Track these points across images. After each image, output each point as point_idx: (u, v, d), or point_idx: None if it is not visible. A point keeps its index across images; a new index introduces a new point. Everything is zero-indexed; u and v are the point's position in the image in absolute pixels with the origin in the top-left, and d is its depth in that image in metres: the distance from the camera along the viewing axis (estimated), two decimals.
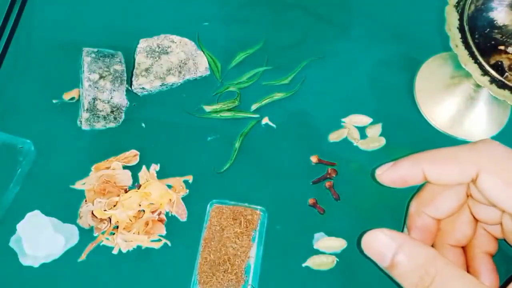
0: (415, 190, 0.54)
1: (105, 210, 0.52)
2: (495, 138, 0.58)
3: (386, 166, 0.45)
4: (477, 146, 0.42)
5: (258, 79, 0.61)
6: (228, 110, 0.59)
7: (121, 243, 0.52)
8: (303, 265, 0.53)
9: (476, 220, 0.47)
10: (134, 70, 0.59)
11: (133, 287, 0.52)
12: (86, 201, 0.54)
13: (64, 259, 0.52)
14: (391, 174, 0.44)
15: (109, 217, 0.53)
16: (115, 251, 0.53)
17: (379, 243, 0.39)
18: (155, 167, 0.56)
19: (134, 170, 0.56)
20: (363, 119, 0.59)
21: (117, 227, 0.53)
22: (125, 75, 0.59)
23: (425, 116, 0.59)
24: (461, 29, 0.49)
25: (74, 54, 0.61)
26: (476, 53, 0.48)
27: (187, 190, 0.55)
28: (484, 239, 0.48)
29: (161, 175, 0.56)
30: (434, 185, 0.46)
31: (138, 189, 0.54)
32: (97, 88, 0.57)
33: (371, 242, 0.40)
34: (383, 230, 0.40)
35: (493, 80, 0.47)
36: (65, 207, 0.54)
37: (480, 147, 0.42)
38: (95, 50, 0.59)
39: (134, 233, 0.53)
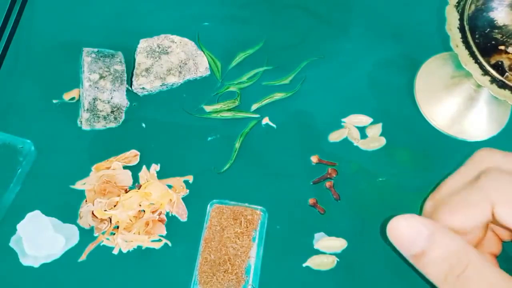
0: (416, 190, 0.54)
1: (105, 210, 0.52)
2: (495, 138, 0.58)
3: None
4: (482, 183, 0.41)
5: (258, 79, 0.61)
6: (228, 110, 0.59)
7: (122, 243, 0.52)
8: (304, 265, 0.53)
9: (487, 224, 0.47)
10: (134, 70, 0.59)
11: (133, 287, 0.52)
12: (86, 201, 0.54)
13: (65, 259, 0.52)
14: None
15: (109, 217, 0.53)
16: (115, 251, 0.53)
17: (411, 229, 0.37)
18: (155, 167, 0.56)
19: (135, 170, 0.56)
20: (363, 119, 0.59)
21: (118, 227, 0.53)
22: (125, 75, 0.59)
23: (425, 116, 0.59)
24: (461, 29, 0.49)
25: (74, 54, 0.61)
26: (477, 53, 0.48)
27: (188, 190, 0.55)
28: (491, 240, 0.47)
29: (161, 175, 0.56)
30: (451, 185, 0.45)
31: (139, 189, 0.54)
32: (97, 88, 0.57)
33: (401, 227, 0.37)
34: (414, 216, 0.37)
35: (493, 80, 0.47)
36: (65, 207, 0.54)
37: (484, 183, 0.41)
38: (95, 50, 0.59)
39: (134, 233, 0.53)
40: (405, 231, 0.37)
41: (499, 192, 0.39)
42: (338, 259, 0.53)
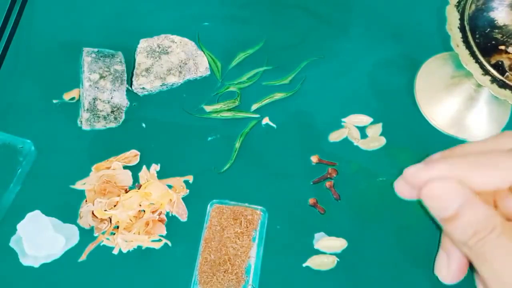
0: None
1: (105, 210, 0.52)
2: None
3: (416, 165, 0.43)
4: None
5: (258, 79, 0.61)
6: (228, 110, 0.59)
7: (122, 243, 0.52)
8: (304, 265, 0.53)
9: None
10: (135, 70, 0.59)
11: (133, 287, 0.52)
12: (86, 201, 0.54)
13: (65, 259, 0.52)
14: (422, 173, 0.43)
15: (109, 217, 0.53)
16: (115, 251, 0.52)
17: (449, 192, 0.38)
18: (155, 167, 0.56)
19: (135, 170, 0.56)
20: (363, 119, 0.59)
21: (118, 227, 0.53)
22: (125, 75, 0.59)
23: (426, 116, 0.59)
24: (462, 28, 0.49)
25: (74, 54, 0.61)
26: (477, 52, 0.48)
27: (188, 190, 0.55)
28: None
29: (161, 175, 0.56)
30: (469, 149, 0.44)
31: (139, 189, 0.54)
32: (98, 88, 0.57)
33: (440, 189, 0.38)
34: (451, 180, 0.38)
35: (494, 80, 0.48)
36: (65, 207, 0.54)
37: None
38: (95, 50, 0.59)
39: (134, 233, 0.53)
40: (443, 193, 0.38)
41: None
42: (338, 259, 0.53)
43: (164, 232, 0.53)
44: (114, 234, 0.53)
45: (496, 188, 0.40)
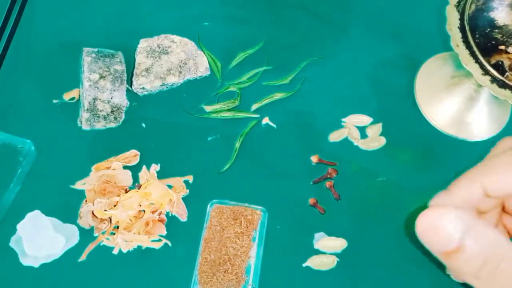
0: (416, 190, 0.54)
1: (105, 210, 0.52)
2: (495, 138, 0.58)
3: (439, 195, 0.39)
4: None
5: (258, 79, 0.61)
6: (228, 110, 0.59)
7: (122, 243, 0.52)
8: (304, 265, 0.53)
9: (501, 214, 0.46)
10: (135, 70, 0.59)
11: (133, 287, 0.52)
12: (86, 201, 0.54)
13: (64, 259, 0.52)
14: (447, 200, 0.38)
15: (109, 217, 0.53)
16: (115, 251, 0.52)
17: (448, 225, 0.33)
18: (155, 167, 0.56)
19: (135, 170, 0.56)
20: (364, 119, 0.59)
21: (118, 227, 0.53)
22: (125, 75, 0.59)
23: (426, 116, 0.59)
24: (462, 28, 0.49)
25: (74, 54, 0.61)
26: (477, 52, 0.48)
27: (188, 190, 0.55)
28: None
29: (161, 175, 0.56)
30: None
31: (139, 189, 0.54)
32: (97, 88, 0.57)
33: (438, 222, 0.33)
34: (450, 209, 0.33)
35: (493, 80, 0.47)
36: (65, 207, 0.54)
37: None
38: (95, 50, 0.59)
39: (134, 233, 0.53)
40: (442, 228, 0.33)
41: None
42: (338, 259, 0.53)
43: (164, 232, 0.53)
44: (114, 234, 0.53)
45: (509, 192, 0.38)
